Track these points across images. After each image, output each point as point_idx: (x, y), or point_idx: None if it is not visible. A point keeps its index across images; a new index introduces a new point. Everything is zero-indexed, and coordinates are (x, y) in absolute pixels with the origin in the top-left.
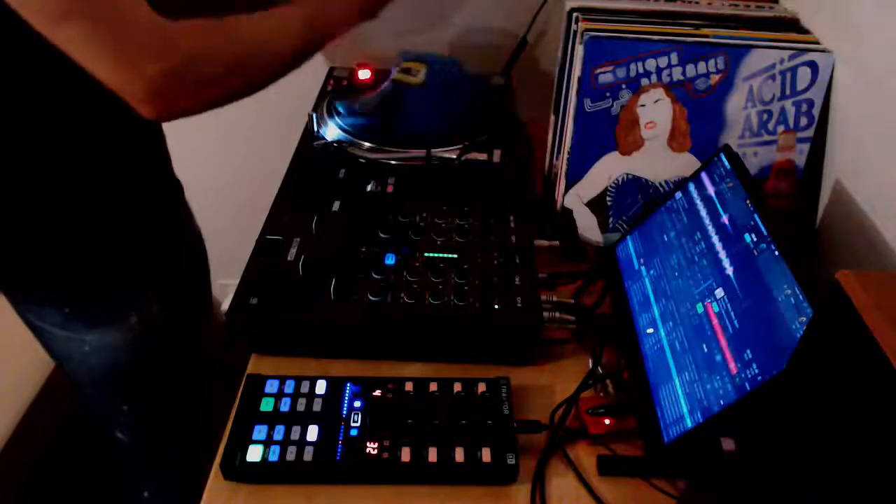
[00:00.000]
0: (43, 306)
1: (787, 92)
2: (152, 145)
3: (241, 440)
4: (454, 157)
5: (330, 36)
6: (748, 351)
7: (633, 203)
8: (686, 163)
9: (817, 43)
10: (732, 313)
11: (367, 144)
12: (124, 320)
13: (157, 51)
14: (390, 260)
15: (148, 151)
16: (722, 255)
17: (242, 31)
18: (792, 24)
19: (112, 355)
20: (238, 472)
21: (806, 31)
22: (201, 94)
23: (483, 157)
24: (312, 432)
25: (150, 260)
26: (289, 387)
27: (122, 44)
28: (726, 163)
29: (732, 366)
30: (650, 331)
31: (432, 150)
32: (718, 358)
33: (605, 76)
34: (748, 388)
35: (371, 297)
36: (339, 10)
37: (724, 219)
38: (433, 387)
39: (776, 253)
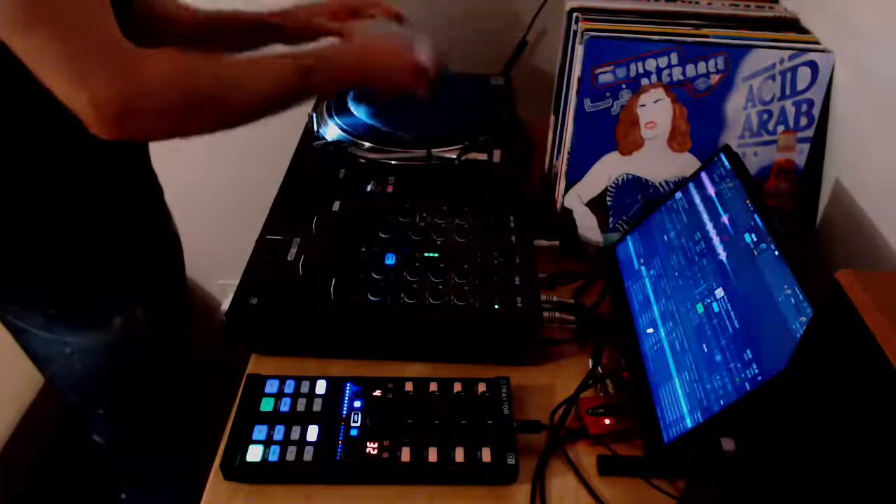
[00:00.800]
0: (26, 307)
1: (787, 92)
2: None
3: (241, 440)
4: (454, 157)
5: (327, 91)
6: (748, 351)
7: (633, 203)
8: (686, 163)
9: (817, 43)
10: (732, 313)
11: (367, 144)
12: (108, 323)
13: (114, 74)
14: (390, 260)
15: (130, 149)
16: (722, 255)
17: (217, 69)
18: (792, 24)
19: (94, 358)
20: (238, 472)
21: (806, 31)
22: (157, 123)
23: (483, 157)
24: (312, 432)
25: (135, 261)
26: (289, 387)
27: (78, 62)
28: (726, 163)
29: (732, 366)
30: (650, 331)
31: (432, 150)
32: (718, 358)
33: (605, 76)
34: (748, 388)
35: (371, 297)
36: (341, 72)
37: (724, 219)
38: (433, 387)
39: (776, 253)
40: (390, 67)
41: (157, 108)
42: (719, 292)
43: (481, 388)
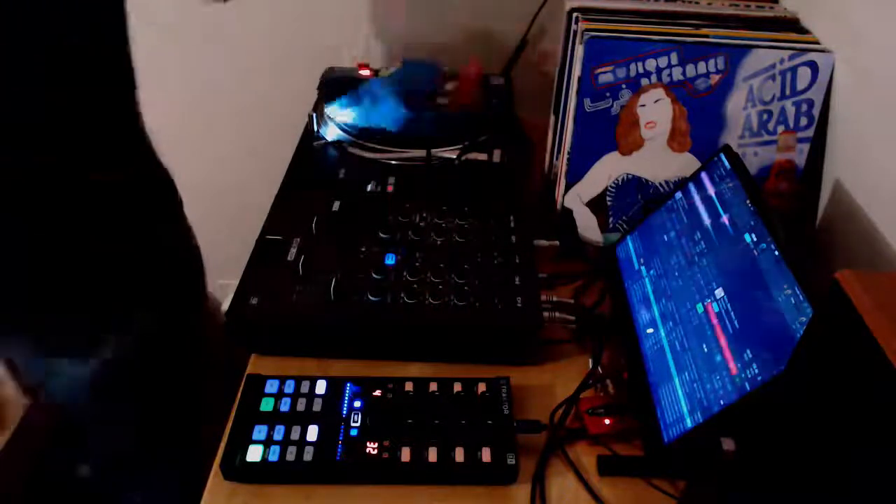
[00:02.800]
0: (9, 334)
1: (787, 92)
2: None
3: (241, 440)
4: (454, 157)
5: None
6: (748, 351)
7: (633, 203)
8: (686, 163)
9: (817, 43)
10: (732, 313)
11: (367, 144)
12: (97, 348)
13: None
14: (390, 260)
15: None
16: (722, 254)
17: None
18: (792, 24)
19: (80, 383)
20: (238, 472)
21: (806, 31)
22: None
23: (483, 157)
24: (312, 432)
25: (128, 288)
26: (289, 387)
27: None
28: (726, 163)
29: (732, 366)
30: (650, 331)
31: (432, 150)
32: (718, 358)
33: (605, 76)
34: (748, 388)
35: (371, 297)
36: None
37: (724, 219)
38: (433, 387)
39: (776, 253)
40: None
41: None
42: (719, 292)
43: (481, 388)
